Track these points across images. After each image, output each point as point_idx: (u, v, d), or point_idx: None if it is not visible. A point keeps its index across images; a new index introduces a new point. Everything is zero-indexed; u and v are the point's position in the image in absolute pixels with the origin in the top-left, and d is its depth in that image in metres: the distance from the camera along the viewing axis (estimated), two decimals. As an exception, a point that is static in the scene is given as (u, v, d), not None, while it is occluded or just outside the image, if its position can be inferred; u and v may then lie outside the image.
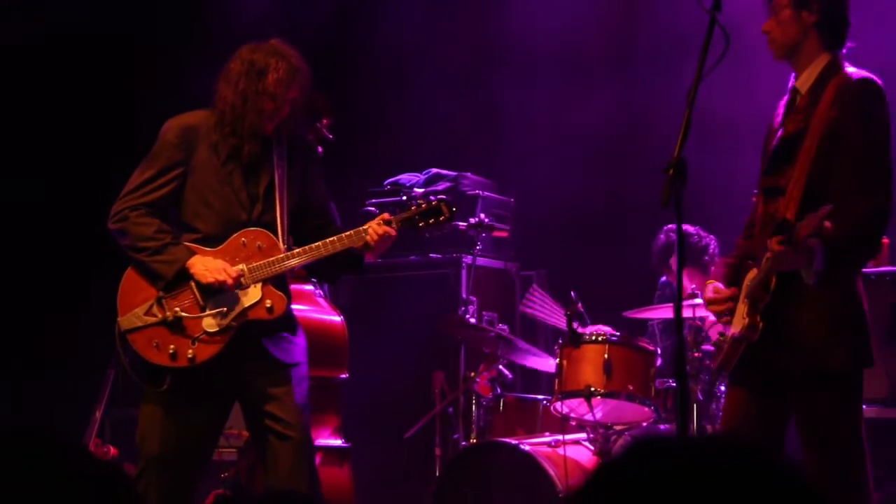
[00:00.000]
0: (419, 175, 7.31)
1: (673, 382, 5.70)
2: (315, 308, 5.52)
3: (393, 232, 4.32)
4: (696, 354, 5.79)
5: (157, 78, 7.31)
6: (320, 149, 5.47)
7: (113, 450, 6.30)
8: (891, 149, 3.76)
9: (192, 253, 4.28)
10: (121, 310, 4.32)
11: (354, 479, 5.56)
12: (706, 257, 6.38)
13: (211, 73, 4.45)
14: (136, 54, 7.58)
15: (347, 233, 4.35)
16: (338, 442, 5.54)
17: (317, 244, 4.34)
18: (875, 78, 3.82)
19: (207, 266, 4.24)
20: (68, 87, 7.49)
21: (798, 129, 3.81)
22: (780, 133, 3.89)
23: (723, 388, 5.87)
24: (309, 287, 5.56)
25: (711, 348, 5.93)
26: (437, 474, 6.06)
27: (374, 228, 4.32)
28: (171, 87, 6.42)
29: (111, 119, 7.40)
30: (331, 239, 4.34)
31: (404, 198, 6.71)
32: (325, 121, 5.53)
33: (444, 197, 4.53)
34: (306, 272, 5.30)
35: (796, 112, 3.86)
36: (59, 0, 7.31)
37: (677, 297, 3.52)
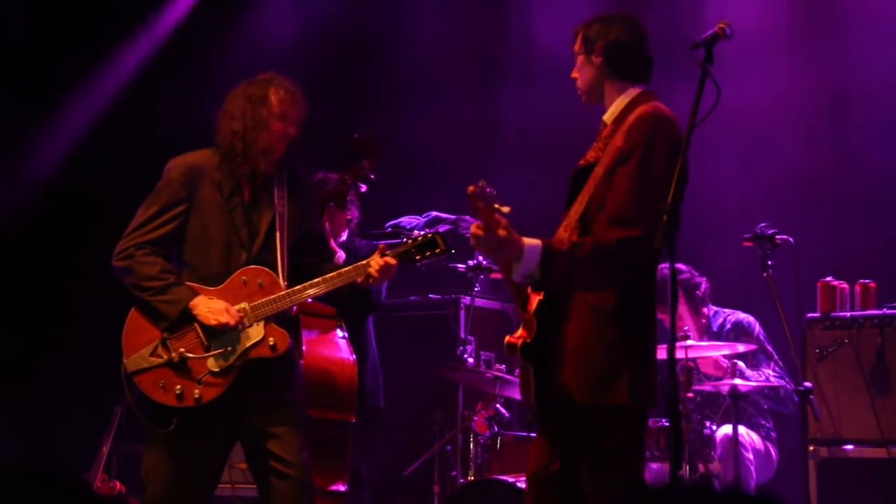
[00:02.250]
0: (419, 218, 7.41)
1: (666, 422, 5.78)
2: (333, 349, 5.52)
3: (393, 261, 4.36)
4: (689, 395, 5.88)
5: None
6: (364, 187, 5.52)
7: (119, 485, 6.33)
8: (665, 182, 3.56)
9: (195, 293, 4.31)
10: (126, 350, 4.33)
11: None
12: (698, 293, 6.48)
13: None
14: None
15: (348, 268, 4.39)
16: (342, 489, 5.53)
17: (319, 279, 4.37)
18: (665, 111, 3.78)
19: (210, 308, 4.28)
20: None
21: (595, 158, 3.81)
22: (580, 163, 3.87)
23: (715, 427, 5.99)
24: (333, 327, 5.58)
25: (704, 388, 6.08)
26: (436, 511, 6.13)
27: (375, 260, 4.36)
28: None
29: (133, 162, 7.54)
30: (332, 274, 4.38)
31: (405, 240, 6.83)
32: (366, 163, 5.53)
33: (438, 230, 4.57)
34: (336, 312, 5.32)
35: (598, 142, 3.87)
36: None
37: (671, 338, 3.56)
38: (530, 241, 3.60)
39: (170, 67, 7.93)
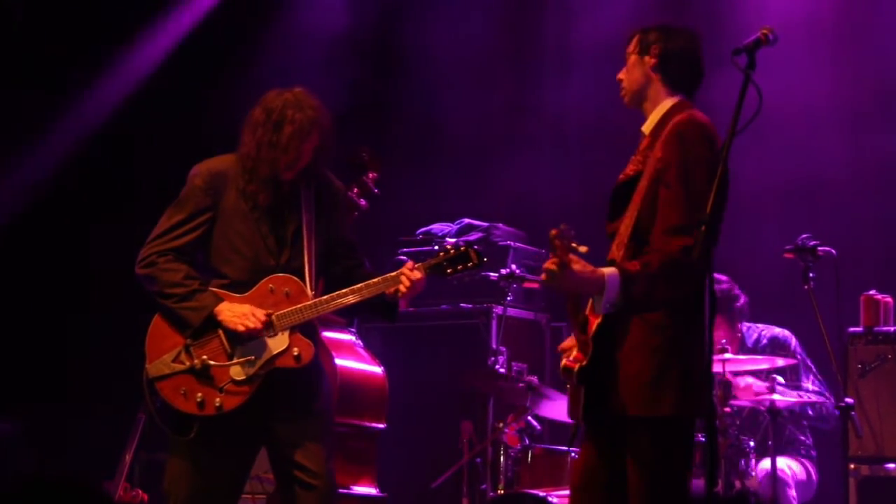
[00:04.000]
0: (451, 225, 7.35)
1: (702, 437, 5.67)
2: (357, 358, 5.54)
3: (421, 276, 4.31)
4: (726, 409, 5.78)
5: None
6: (364, 203, 5.50)
7: (142, 494, 6.31)
8: (709, 189, 3.59)
9: (220, 300, 4.27)
10: (149, 356, 4.30)
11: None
12: (737, 305, 6.35)
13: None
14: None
15: (377, 279, 4.34)
16: (373, 491, 5.53)
17: (347, 290, 4.33)
18: (703, 120, 3.78)
19: (235, 312, 4.23)
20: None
21: (637, 171, 3.83)
22: (620, 177, 3.90)
23: (752, 443, 5.86)
24: (349, 337, 5.57)
25: (742, 403, 5.95)
26: (465, 525, 6.05)
27: (406, 274, 4.31)
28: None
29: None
30: (361, 285, 4.33)
31: (436, 247, 6.75)
32: (370, 174, 5.53)
33: (472, 243, 4.50)
34: (344, 318, 5.32)
35: (637, 154, 3.88)
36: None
37: (708, 349, 3.51)
38: (608, 270, 3.68)
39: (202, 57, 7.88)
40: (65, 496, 1.89)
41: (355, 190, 5.45)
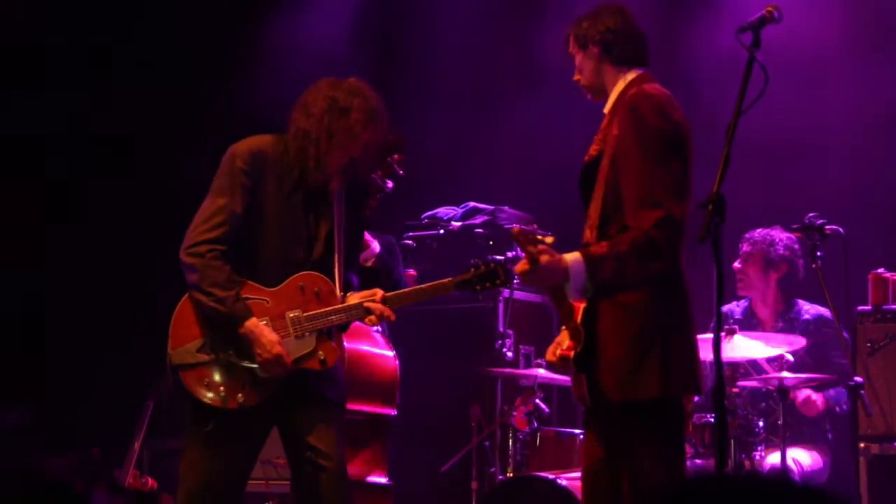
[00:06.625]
0: (457, 209, 7.32)
1: (711, 418, 5.66)
2: (368, 342, 5.52)
3: (393, 317, 4.27)
4: (735, 390, 5.76)
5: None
6: (390, 184, 5.47)
7: (151, 481, 6.31)
8: (675, 157, 3.63)
9: (251, 313, 4.18)
10: (172, 340, 4.25)
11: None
12: (773, 254, 6.24)
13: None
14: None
15: (347, 305, 4.27)
16: (382, 480, 5.52)
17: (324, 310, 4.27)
18: (654, 91, 3.75)
19: (264, 341, 4.15)
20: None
21: (599, 151, 3.80)
22: (585, 158, 3.87)
23: (761, 423, 5.84)
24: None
25: (750, 384, 5.92)
26: (474, 508, 6.05)
27: (375, 307, 4.25)
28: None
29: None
30: (338, 307, 4.27)
31: (441, 231, 6.74)
32: (396, 156, 5.49)
33: (503, 262, 4.48)
34: None
35: (599, 133, 3.86)
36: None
37: (716, 331, 3.50)
38: (570, 256, 3.63)
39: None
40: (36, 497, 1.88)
41: (379, 172, 5.38)
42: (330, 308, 4.26)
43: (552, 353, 3.83)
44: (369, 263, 5.64)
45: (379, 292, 4.31)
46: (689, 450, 5.60)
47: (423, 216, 7.33)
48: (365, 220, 4.63)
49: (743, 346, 5.73)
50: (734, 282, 6.28)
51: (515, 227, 3.65)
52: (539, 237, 3.62)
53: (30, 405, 6.88)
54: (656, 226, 3.58)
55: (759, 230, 6.29)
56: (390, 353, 5.57)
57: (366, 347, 5.45)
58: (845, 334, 6.03)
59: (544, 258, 3.60)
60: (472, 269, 4.38)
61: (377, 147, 4.37)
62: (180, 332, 4.25)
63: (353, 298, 4.32)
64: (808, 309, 6.29)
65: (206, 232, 4.22)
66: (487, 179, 7.69)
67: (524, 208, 7.37)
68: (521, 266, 3.65)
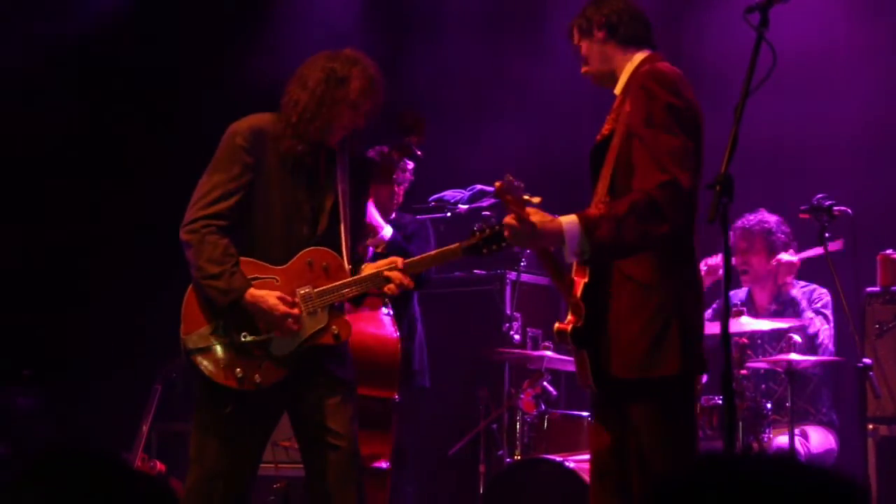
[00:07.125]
0: (463, 192, 7.30)
1: (719, 399, 5.65)
2: (371, 324, 5.49)
3: (411, 284, 4.26)
4: (743, 372, 5.75)
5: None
6: (410, 164, 5.45)
7: (160, 465, 6.32)
8: (684, 130, 3.59)
9: (249, 284, 4.15)
10: (184, 325, 4.21)
11: (400, 494, 5.52)
12: (775, 237, 6.24)
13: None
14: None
15: (363, 276, 4.26)
16: (384, 466, 5.49)
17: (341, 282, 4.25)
18: (667, 69, 3.73)
19: (270, 305, 4.13)
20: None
21: (611, 130, 3.78)
22: (597, 138, 3.84)
23: (769, 405, 5.83)
24: (382, 308, 5.50)
25: (758, 365, 5.91)
26: (481, 491, 6.05)
27: (394, 276, 4.24)
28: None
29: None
30: (352, 279, 4.25)
31: (448, 214, 6.73)
32: (414, 138, 5.46)
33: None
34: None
35: (611, 113, 3.84)
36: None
37: (724, 313, 3.44)
38: (567, 218, 3.56)
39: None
40: (84, 468, 1.87)
41: (395, 154, 5.37)
42: (341, 282, 4.23)
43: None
44: (380, 249, 5.64)
45: (399, 260, 4.28)
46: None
47: (430, 199, 7.31)
48: (367, 194, 4.58)
49: (749, 326, 5.76)
50: (735, 275, 6.24)
51: (498, 182, 3.51)
52: (526, 197, 3.54)
53: (39, 389, 6.90)
54: (660, 186, 3.53)
55: (746, 218, 6.23)
56: (393, 336, 5.50)
57: (372, 331, 5.41)
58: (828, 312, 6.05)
59: (535, 217, 3.54)
60: (478, 234, 4.33)
61: (376, 115, 4.32)
62: (192, 315, 4.20)
63: (370, 269, 4.31)
64: (803, 287, 6.27)
65: (202, 209, 4.18)
66: (497, 162, 7.67)
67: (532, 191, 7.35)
68: (509, 219, 3.57)
